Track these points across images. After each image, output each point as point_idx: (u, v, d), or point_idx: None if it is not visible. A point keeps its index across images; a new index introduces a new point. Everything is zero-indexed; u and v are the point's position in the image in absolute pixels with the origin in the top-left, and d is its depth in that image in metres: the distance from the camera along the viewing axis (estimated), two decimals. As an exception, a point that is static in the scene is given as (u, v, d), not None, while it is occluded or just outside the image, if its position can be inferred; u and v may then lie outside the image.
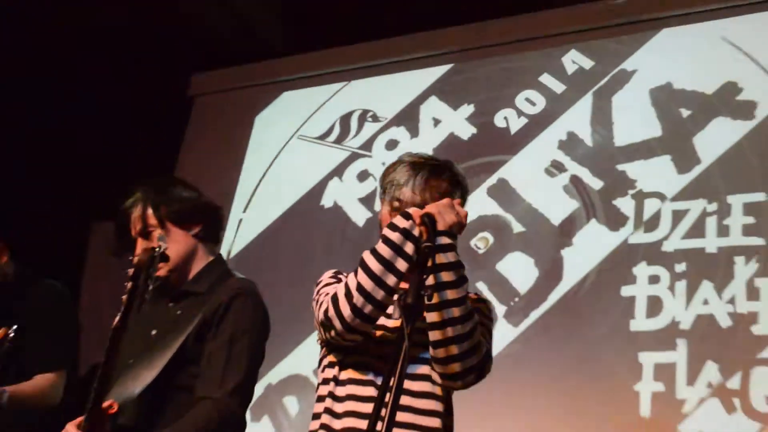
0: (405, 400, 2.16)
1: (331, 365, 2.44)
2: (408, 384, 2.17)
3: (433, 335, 2.23)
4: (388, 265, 2.23)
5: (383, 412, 1.78)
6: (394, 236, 2.27)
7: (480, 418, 2.64)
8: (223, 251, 5.39)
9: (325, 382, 2.44)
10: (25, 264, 3.83)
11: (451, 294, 2.22)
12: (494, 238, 4.84)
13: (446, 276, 2.23)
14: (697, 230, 4.41)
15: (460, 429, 2.50)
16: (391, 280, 2.22)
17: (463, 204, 2.48)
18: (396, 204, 2.46)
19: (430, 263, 2.11)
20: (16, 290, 3.70)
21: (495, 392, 4.32)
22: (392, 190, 2.50)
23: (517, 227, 4.85)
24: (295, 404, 4.87)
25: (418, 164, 2.51)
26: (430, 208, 2.27)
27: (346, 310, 2.21)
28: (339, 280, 2.46)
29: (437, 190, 2.44)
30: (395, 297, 2.32)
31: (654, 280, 4.39)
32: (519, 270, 4.70)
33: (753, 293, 4.12)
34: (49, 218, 6.40)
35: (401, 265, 2.23)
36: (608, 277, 4.52)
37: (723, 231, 4.35)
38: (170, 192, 2.94)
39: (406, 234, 2.26)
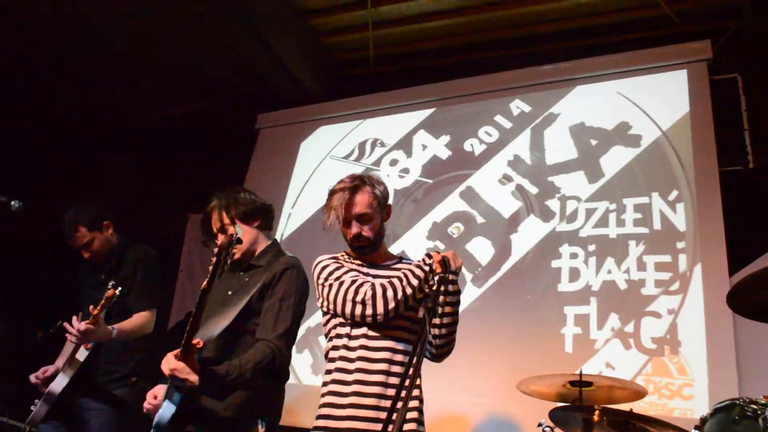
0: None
1: (342, 325, 2.51)
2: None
3: (436, 331, 2.51)
4: (419, 284, 2.43)
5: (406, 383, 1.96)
6: (425, 266, 2.45)
7: (454, 351, 2.54)
8: (278, 235, 5.32)
9: (339, 336, 2.51)
10: (124, 234, 3.72)
11: (450, 309, 2.50)
12: (464, 226, 4.74)
13: (453, 298, 2.49)
14: (603, 222, 4.34)
15: (441, 364, 2.64)
16: (417, 294, 2.43)
17: (385, 200, 2.67)
18: (342, 221, 2.59)
19: (443, 288, 2.29)
20: (118, 253, 3.61)
21: (464, 335, 4.21)
22: (333, 214, 2.60)
23: (480, 219, 4.74)
24: (324, 341, 4.71)
25: (343, 189, 2.61)
26: (447, 254, 2.38)
27: (391, 305, 2.39)
28: (341, 264, 2.60)
29: (362, 202, 2.58)
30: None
31: (573, 256, 4.31)
32: (481, 249, 4.59)
33: (642, 266, 4.08)
34: (159, 211, 6.32)
35: (423, 285, 2.44)
36: (542, 254, 4.42)
37: (620, 223, 4.29)
38: (236, 199, 2.91)
39: (431, 269, 2.41)
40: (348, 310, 2.42)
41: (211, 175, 6.06)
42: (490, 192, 4.81)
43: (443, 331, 2.51)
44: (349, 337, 2.46)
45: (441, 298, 2.32)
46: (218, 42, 5.98)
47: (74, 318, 3.12)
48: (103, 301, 3.10)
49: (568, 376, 3.10)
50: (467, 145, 5.12)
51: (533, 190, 4.66)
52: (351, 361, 2.42)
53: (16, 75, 6.18)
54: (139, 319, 3.38)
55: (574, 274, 4.22)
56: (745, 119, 4.48)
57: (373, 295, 2.38)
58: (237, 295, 2.69)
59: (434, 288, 2.24)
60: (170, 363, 2.35)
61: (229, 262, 2.46)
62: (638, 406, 3.13)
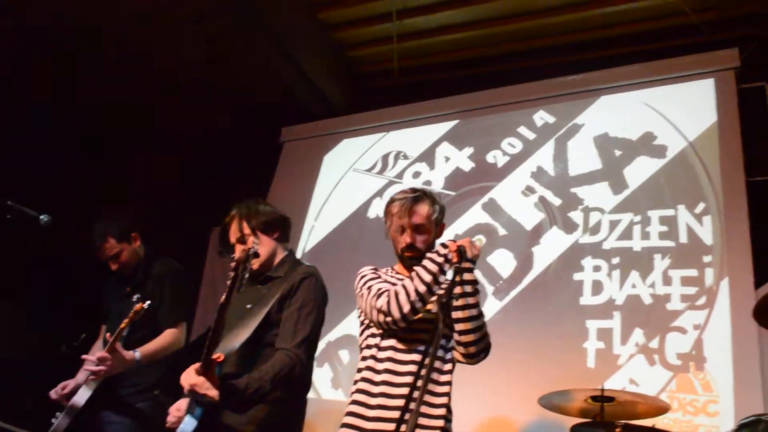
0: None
1: (373, 336, 2.50)
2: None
3: (459, 326, 2.37)
4: (435, 279, 2.35)
5: (419, 383, 1.93)
6: (438, 258, 2.37)
7: (475, 369, 2.49)
8: (299, 248, 5.37)
9: (368, 347, 2.49)
10: (150, 246, 3.72)
11: (471, 300, 2.37)
12: (486, 238, 4.64)
13: (469, 288, 2.37)
14: (627, 234, 4.26)
15: (462, 378, 2.52)
16: (435, 288, 2.35)
17: (441, 215, 2.64)
18: (394, 228, 2.59)
19: (458, 279, 2.27)
20: (146, 265, 3.60)
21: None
22: (392, 220, 2.60)
23: (502, 231, 4.70)
24: (346, 355, 4.75)
25: (404, 198, 2.59)
26: (462, 242, 2.36)
27: (406, 307, 2.33)
28: (379, 276, 2.60)
29: (421, 212, 2.56)
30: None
31: (597, 269, 4.24)
32: (503, 261, 4.53)
33: (667, 280, 3.99)
34: (183, 225, 6.37)
35: (441, 279, 2.36)
36: (564, 266, 4.35)
37: (645, 236, 4.20)
38: (256, 209, 2.89)
39: (445, 258, 2.36)
40: (374, 317, 2.43)
41: (235, 189, 6.11)
42: (512, 204, 4.76)
43: (468, 326, 2.36)
44: (378, 348, 2.45)
45: (458, 289, 2.30)
46: (243, 56, 6.02)
47: (94, 346, 3.12)
48: (131, 315, 3.08)
49: (590, 391, 3.05)
50: (490, 157, 5.08)
51: (556, 201, 4.60)
52: (378, 372, 2.41)
53: (42, 88, 6.29)
54: (169, 336, 3.36)
55: (597, 287, 4.14)
56: (773, 128, 4.38)
57: (389, 301, 2.35)
58: (256, 307, 2.67)
59: (452, 280, 2.19)
60: (190, 378, 2.34)
61: (246, 276, 2.45)
62: (662, 423, 3.08)
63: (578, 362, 3.92)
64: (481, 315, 2.39)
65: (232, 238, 2.84)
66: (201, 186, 6.60)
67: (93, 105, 6.67)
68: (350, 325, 4.74)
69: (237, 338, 2.55)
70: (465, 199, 4.95)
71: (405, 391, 2.31)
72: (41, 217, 3.28)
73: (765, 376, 3.45)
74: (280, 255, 2.90)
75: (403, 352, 2.41)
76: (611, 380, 3.73)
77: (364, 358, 2.49)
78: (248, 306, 2.72)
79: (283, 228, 2.96)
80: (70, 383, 3.35)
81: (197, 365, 2.36)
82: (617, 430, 2.69)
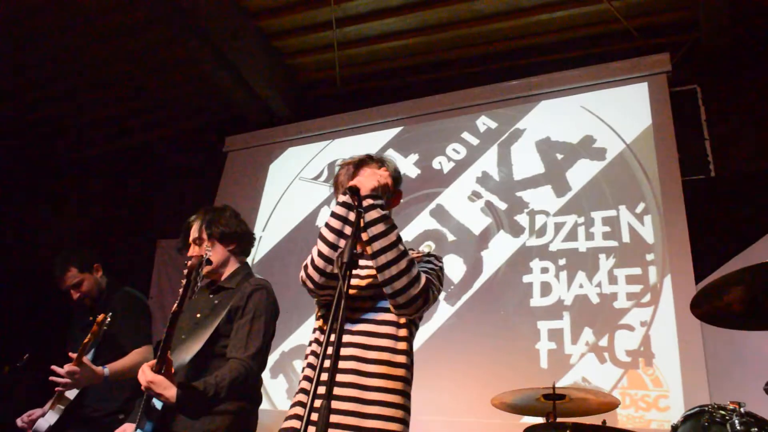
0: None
1: (317, 320, 2.22)
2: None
3: (381, 276, 2.02)
4: (338, 233, 2.04)
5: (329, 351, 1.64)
6: (339, 210, 2.09)
7: (429, 370, 2.45)
8: (248, 259, 5.20)
9: (314, 331, 2.23)
10: (111, 276, 3.75)
11: (379, 244, 2.00)
12: (435, 244, 4.68)
13: (375, 230, 2.01)
14: (572, 236, 4.32)
15: (415, 381, 2.18)
16: (342, 243, 2.02)
17: (394, 181, 2.28)
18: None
19: (362, 224, 1.99)
20: (108, 295, 3.62)
21: (439, 354, 4.19)
22: (339, 188, 2.32)
23: (451, 237, 4.70)
24: (300, 366, 4.63)
25: (348, 164, 2.34)
26: (354, 180, 2.10)
27: (314, 273, 2.03)
28: None
29: (363, 173, 2.23)
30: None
31: (544, 270, 4.27)
32: (453, 266, 4.52)
33: (613, 279, 4.06)
34: (127, 238, 6.20)
35: (347, 230, 2.04)
36: (513, 269, 4.38)
37: (590, 236, 4.27)
38: (219, 218, 2.90)
39: (348, 206, 2.08)
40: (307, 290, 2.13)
41: (179, 201, 5.98)
42: (460, 209, 4.77)
43: (385, 274, 2.00)
44: (321, 331, 2.18)
45: (363, 236, 2.00)
46: (182, 65, 5.91)
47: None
48: (94, 327, 3.07)
49: (542, 390, 3.06)
50: (436, 163, 5.08)
51: (502, 205, 4.63)
52: (306, 356, 2.17)
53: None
54: (136, 355, 3.32)
55: (546, 288, 4.18)
56: (705, 129, 4.52)
57: (302, 274, 2.07)
58: (207, 318, 2.67)
59: (352, 231, 1.93)
60: (147, 375, 2.27)
61: (199, 283, 2.49)
62: (616, 419, 3.12)
63: (531, 363, 3.94)
64: (400, 256, 2.00)
65: (190, 238, 2.87)
66: (145, 199, 6.42)
67: (26, 121, 6.43)
68: (303, 335, 4.66)
69: (187, 351, 2.55)
70: (412, 205, 4.93)
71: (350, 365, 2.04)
72: None
73: (708, 366, 3.53)
74: (233, 266, 2.88)
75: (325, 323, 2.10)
76: (564, 380, 3.77)
77: (310, 343, 2.23)
78: (198, 315, 2.72)
79: (241, 242, 2.95)
80: (37, 412, 3.33)
81: (152, 362, 2.32)
82: (568, 430, 2.69)
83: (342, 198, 2.11)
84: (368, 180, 2.08)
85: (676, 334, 3.68)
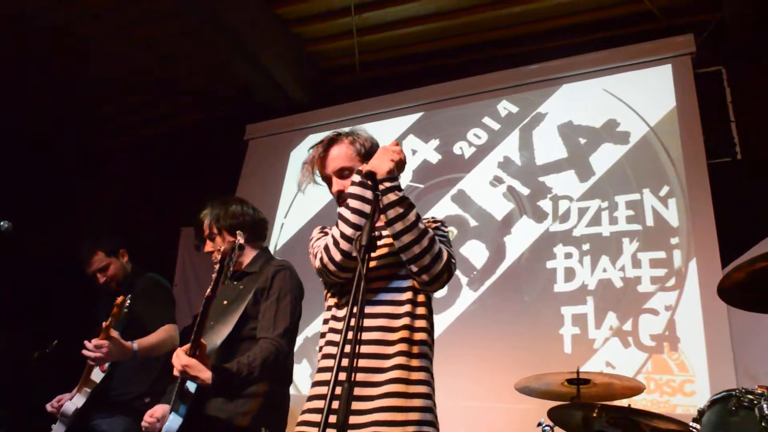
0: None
1: (332, 296, 2.19)
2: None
3: (402, 258, 2.03)
4: (359, 213, 2.02)
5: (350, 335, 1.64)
6: (357, 189, 2.07)
7: (452, 356, 2.46)
8: (271, 246, 5.27)
9: (326, 321, 2.17)
10: (136, 261, 3.79)
11: (399, 225, 1.99)
12: (457, 230, 4.66)
13: (392, 212, 1.99)
14: (596, 221, 4.29)
15: (439, 368, 2.17)
16: (365, 223, 1.94)
17: (369, 149, 2.27)
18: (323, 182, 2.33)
19: (380, 207, 1.99)
20: (132, 280, 3.65)
21: (461, 338, 4.20)
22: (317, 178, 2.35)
23: (473, 222, 4.69)
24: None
25: (317, 146, 2.33)
26: (368, 165, 2.06)
27: (337, 255, 2.02)
28: (326, 234, 2.26)
29: (339, 157, 2.25)
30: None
31: (568, 256, 4.26)
32: (475, 252, 4.52)
33: (636, 263, 4.04)
34: (152, 226, 6.25)
35: (369, 209, 1.99)
36: (536, 255, 4.37)
37: (613, 221, 4.24)
38: (226, 211, 2.92)
39: (364, 185, 2.05)
40: (321, 278, 2.16)
41: (202, 188, 6.01)
42: (481, 195, 4.75)
43: (413, 251, 1.99)
44: (335, 319, 2.14)
45: (381, 219, 2.00)
46: (203, 54, 5.93)
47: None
48: (114, 308, 3.10)
49: (566, 375, 3.07)
50: (457, 149, 5.07)
51: (525, 191, 4.61)
52: (323, 335, 2.15)
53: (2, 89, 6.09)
54: (163, 333, 3.34)
55: (570, 274, 4.17)
56: (731, 111, 4.47)
57: (321, 257, 2.06)
58: (233, 304, 2.71)
59: (369, 214, 1.91)
60: (181, 359, 2.29)
61: (231, 268, 2.46)
62: (641, 405, 3.11)
63: (555, 348, 3.94)
64: (421, 235, 1.99)
65: (204, 234, 2.92)
66: (168, 187, 6.47)
67: (50, 111, 6.50)
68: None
69: (218, 335, 2.60)
70: (433, 191, 4.93)
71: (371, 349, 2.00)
72: (1, 223, 3.22)
73: (736, 351, 3.51)
74: (251, 253, 2.92)
75: (342, 306, 2.12)
76: (588, 364, 3.77)
77: (325, 321, 2.19)
78: (225, 302, 2.76)
79: (252, 230, 2.96)
80: (66, 396, 3.36)
81: (186, 347, 2.35)
82: (595, 411, 2.69)
83: (358, 178, 2.08)
84: (383, 162, 2.04)
85: (701, 318, 3.66)
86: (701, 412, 2.33)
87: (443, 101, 5.39)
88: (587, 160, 4.50)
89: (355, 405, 1.83)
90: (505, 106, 5.09)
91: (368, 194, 2.02)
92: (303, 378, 4.57)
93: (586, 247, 4.20)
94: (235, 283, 2.84)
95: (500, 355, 4.05)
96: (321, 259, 2.06)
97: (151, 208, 6.53)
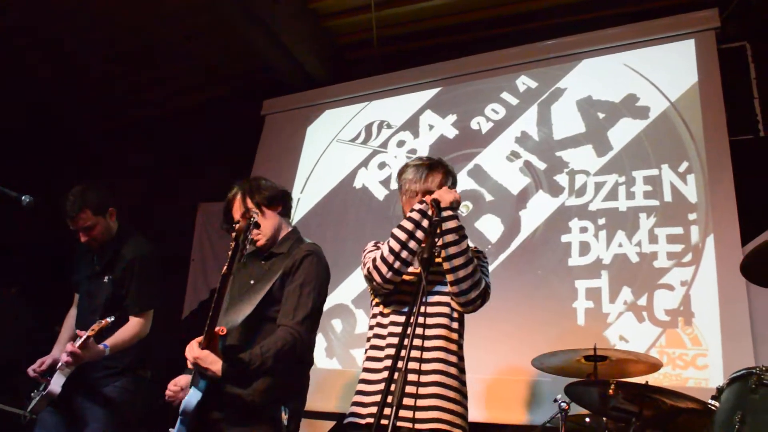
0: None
1: (377, 304, 2.61)
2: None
3: (447, 278, 2.43)
4: (411, 235, 2.42)
5: (409, 330, 1.99)
6: (415, 215, 2.46)
7: (466, 329, 2.51)
8: (288, 220, 5.31)
9: (374, 316, 2.61)
10: (124, 223, 3.57)
11: (453, 249, 2.39)
12: (473, 205, 4.70)
13: (449, 237, 2.40)
14: (612, 195, 4.31)
15: None
16: (412, 245, 2.42)
17: (454, 185, 2.66)
18: (409, 195, 2.62)
19: (439, 230, 2.34)
20: (117, 243, 3.47)
21: (476, 313, 4.22)
22: (405, 186, 2.65)
23: (488, 197, 4.71)
24: (339, 324, 4.81)
25: (420, 165, 2.65)
26: (435, 194, 2.45)
27: (383, 268, 2.42)
28: (378, 248, 2.58)
29: (435, 180, 2.59)
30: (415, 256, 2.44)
31: (583, 230, 4.28)
32: (490, 226, 4.56)
33: (653, 238, 4.04)
34: (168, 201, 6.32)
35: (419, 234, 2.43)
36: (551, 229, 4.39)
37: (630, 196, 4.25)
38: (258, 185, 2.90)
39: (423, 213, 2.45)
40: (369, 286, 2.58)
41: (219, 164, 6.09)
42: (498, 169, 4.77)
43: (452, 276, 2.41)
44: (382, 315, 2.55)
45: (439, 241, 2.34)
46: (220, 30, 5.95)
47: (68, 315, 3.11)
48: (96, 328, 3.05)
49: (583, 351, 3.10)
50: (474, 124, 5.08)
51: (541, 165, 4.62)
52: (383, 338, 2.51)
53: (21, 69, 6.17)
54: (134, 326, 3.31)
55: (585, 248, 4.19)
56: (755, 87, 4.43)
57: (369, 267, 2.46)
58: (259, 283, 2.70)
59: (430, 235, 2.27)
60: (194, 351, 2.39)
61: (248, 246, 2.49)
62: (652, 378, 3.12)
63: (569, 322, 3.97)
64: (468, 263, 2.41)
65: (236, 215, 2.82)
66: (185, 163, 6.54)
67: (67, 87, 6.57)
68: (341, 294, 4.80)
69: (240, 313, 2.59)
70: (450, 166, 4.94)
71: (390, 352, 2.43)
72: (23, 198, 3.21)
73: (754, 328, 3.51)
74: (285, 230, 2.90)
75: (389, 315, 2.51)
76: (602, 338, 3.78)
77: (370, 327, 2.61)
78: (251, 282, 2.75)
79: (285, 202, 2.96)
80: (47, 359, 3.30)
81: (200, 339, 2.41)
82: (611, 388, 2.70)
83: (419, 206, 2.46)
84: (448, 195, 2.44)
85: (717, 295, 3.67)
86: (720, 390, 2.33)
87: (461, 76, 5.40)
88: (605, 135, 4.50)
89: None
90: (524, 81, 5.09)
91: (424, 222, 2.42)
92: (318, 351, 4.62)
93: (602, 221, 4.21)
94: (262, 262, 2.81)
95: (513, 328, 4.09)
96: (368, 269, 2.47)
97: (168, 184, 6.61)
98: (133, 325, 3.32)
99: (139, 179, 6.76)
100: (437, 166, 2.64)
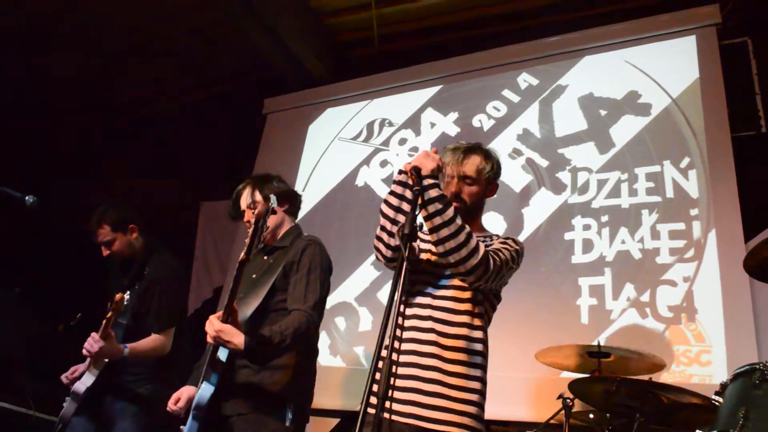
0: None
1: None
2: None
3: (437, 250, 2.22)
4: (397, 209, 2.29)
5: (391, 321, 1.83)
6: (397, 188, 2.32)
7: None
8: (291, 219, 5.34)
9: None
10: (149, 238, 3.64)
11: (438, 220, 2.17)
12: (475, 201, 4.66)
13: (432, 207, 2.17)
14: (615, 192, 4.33)
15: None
16: (400, 218, 2.29)
17: (494, 172, 2.53)
18: (447, 180, 2.44)
19: (420, 201, 2.15)
20: (142, 260, 3.53)
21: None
22: (444, 169, 2.41)
23: (491, 195, 4.68)
24: (343, 322, 4.82)
25: (457, 148, 2.49)
26: (415, 161, 2.24)
27: (381, 247, 2.32)
28: None
29: (473, 165, 2.45)
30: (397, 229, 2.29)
31: (586, 227, 4.30)
32: (493, 224, 4.55)
33: (655, 235, 4.06)
34: (171, 200, 6.34)
35: (406, 207, 2.28)
36: (554, 227, 4.41)
37: (633, 192, 4.27)
38: (270, 181, 2.97)
39: (404, 184, 2.30)
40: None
41: (221, 163, 6.11)
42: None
43: (443, 247, 2.16)
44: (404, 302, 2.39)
45: (422, 212, 2.17)
46: (221, 28, 5.97)
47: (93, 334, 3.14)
48: (113, 306, 3.11)
49: (587, 347, 3.11)
50: (476, 121, 5.10)
51: (543, 163, 4.64)
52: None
53: (21, 65, 6.19)
54: (154, 341, 3.34)
55: (588, 245, 4.21)
56: (757, 83, 4.44)
57: (374, 243, 2.36)
58: (263, 277, 2.75)
59: (411, 207, 2.11)
60: (215, 325, 2.39)
61: (266, 231, 2.51)
62: (657, 375, 3.14)
63: (572, 319, 3.99)
64: (458, 231, 2.15)
65: (243, 205, 2.92)
66: (187, 162, 6.56)
67: (69, 84, 6.59)
68: (345, 292, 4.82)
69: (247, 307, 2.64)
70: (452, 164, 4.95)
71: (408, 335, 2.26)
72: (27, 198, 3.23)
73: (758, 324, 3.53)
74: (287, 226, 2.95)
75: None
76: (605, 335, 3.81)
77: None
78: (253, 276, 2.80)
79: (293, 201, 3.03)
80: (80, 367, 3.36)
81: (218, 314, 2.43)
82: (615, 385, 2.73)
83: (399, 177, 2.31)
84: (428, 161, 2.22)
85: (720, 290, 3.68)
86: (724, 386, 2.35)
87: (463, 74, 5.42)
88: (607, 132, 4.52)
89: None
90: (525, 79, 5.10)
91: (407, 193, 2.27)
92: (322, 349, 4.57)
93: (604, 218, 4.23)
94: (265, 257, 2.86)
95: (517, 325, 4.09)
96: (376, 251, 2.35)
97: (171, 183, 6.63)
98: (153, 339, 3.35)
99: (141, 178, 6.77)
100: (475, 150, 2.50)
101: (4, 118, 6.08)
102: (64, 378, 3.35)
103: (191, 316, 5.66)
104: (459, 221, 2.17)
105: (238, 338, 2.36)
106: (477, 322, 2.32)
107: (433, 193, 2.17)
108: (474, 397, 2.20)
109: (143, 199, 6.36)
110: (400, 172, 2.31)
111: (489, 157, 2.52)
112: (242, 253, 2.41)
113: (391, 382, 1.87)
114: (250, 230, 2.45)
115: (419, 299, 2.30)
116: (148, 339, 3.35)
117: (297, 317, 2.54)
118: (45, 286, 5.77)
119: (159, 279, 3.46)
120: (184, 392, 2.67)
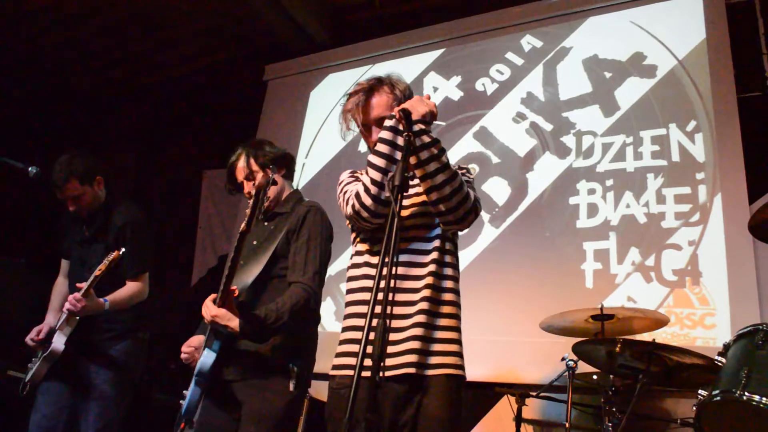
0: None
1: (359, 242, 2.26)
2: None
3: (429, 198, 2.09)
4: (388, 158, 2.06)
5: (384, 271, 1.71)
6: (386, 134, 2.09)
7: (474, 292, 2.54)
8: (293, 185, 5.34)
9: (356, 263, 2.25)
10: (112, 190, 3.55)
11: (431, 166, 2.03)
12: (479, 167, 4.73)
13: (426, 153, 2.03)
14: (620, 156, 4.33)
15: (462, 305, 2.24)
16: (393, 168, 2.04)
17: (408, 94, 2.29)
18: (360, 126, 2.31)
19: (412, 148, 1.97)
20: (107, 210, 3.47)
21: (485, 274, 4.31)
22: (347, 117, 2.33)
23: (495, 159, 4.75)
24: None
25: (357, 91, 2.31)
26: (406, 104, 2.08)
27: (368, 201, 2.05)
28: (356, 179, 2.32)
29: (380, 105, 2.25)
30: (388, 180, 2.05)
31: (591, 192, 4.32)
32: (497, 189, 4.60)
33: (661, 199, 4.08)
34: (174, 169, 6.35)
35: (398, 155, 2.04)
36: (559, 191, 4.43)
37: (638, 156, 4.27)
38: (262, 147, 2.91)
39: (394, 130, 2.08)
40: (352, 223, 2.25)
41: (223, 131, 6.11)
42: (504, 131, 4.80)
43: (435, 195, 2.06)
44: (357, 253, 2.26)
45: (413, 159, 2.02)
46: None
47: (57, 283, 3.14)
48: (106, 263, 3.07)
49: (590, 311, 3.16)
50: (479, 85, 5.09)
51: (548, 127, 4.64)
52: (357, 279, 2.23)
53: (26, 37, 6.17)
54: (132, 288, 3.36)
55: (593, 209, 4.23)
56: (763, 43, 4.40)
57: (353, 203, 2.10)
58: (265, 243, 2.75)
59: (403, 154, 1.92)
60: (211, 309, 2.41)
61: (266, 202, 2.52)
62: (661, 337, 3.19)
63: (577, 283, 4.03)
64: (453, 176, 2.06)
65: (240, 176, 2.86)
66: (189, 130, 6.56)
67: (70, 54, 6.57)
68: (349, 258, 4.82)
69: (249, 274, 2.64)
70: (455, 128, 4.97)
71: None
72: (30, 169, 3.23)
73: (761, 286, 3.57)
74: (287, 191, 2.95)
75: (375, 253, 2.19)
76: (610, 299, 3.85)
77: (354, 266, 2.28)
78: (254, 242, 2.80)
79: (289, 165, 3.00)
80: (43, 327, 3.35)
81: (215, 296, 2.45)
82: (618, 345, 2.77)
83: (389, 122, 2.10)
84: (419, 105, 2.09)
85: (725, 254, 3.72)
86: (726, 346, 2.38)
87: (465, 37, 5.39)
88: (612, 95, 4.51)
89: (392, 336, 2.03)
90: (528, 41, 5.08)
91: (399, 140, 2.06)
92: (328, 316, 4.73)
93: (609, 182, 4.25)
94: (266, 223, 2.86)
95: (522, 290, 4.16)
96: (353, 206, 2.10)
97: (172, 151, 6.64)
98: (131, 287, 3.36)
99: (144, 148, 6.79)
100: (377, 87, 2.29)
101: (10, 89, 6.09)
102: (29, 340, 3.31)
103: (196, 284, 5.74)
104: (452, 168, 2.08)
105: (233, 322, 2.40)
106: (450, 271, 2.19)
107: (425, 138, 2.03)
108: (457, 335, 2.17)
109: (146, 168, 6.40)
110: (390, 117, 2.11)
111: (393, 85, 2.31)
112: (243, 224, 2.41)
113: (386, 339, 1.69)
114: (251, 201, 2.44)
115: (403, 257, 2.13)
116: (125, 288, 3.34)
117: (295, 292, 2.54)
118: (49, 257, 5.82)
119: (127, 225, 3.42)
120: (195, 340, 2.72)
